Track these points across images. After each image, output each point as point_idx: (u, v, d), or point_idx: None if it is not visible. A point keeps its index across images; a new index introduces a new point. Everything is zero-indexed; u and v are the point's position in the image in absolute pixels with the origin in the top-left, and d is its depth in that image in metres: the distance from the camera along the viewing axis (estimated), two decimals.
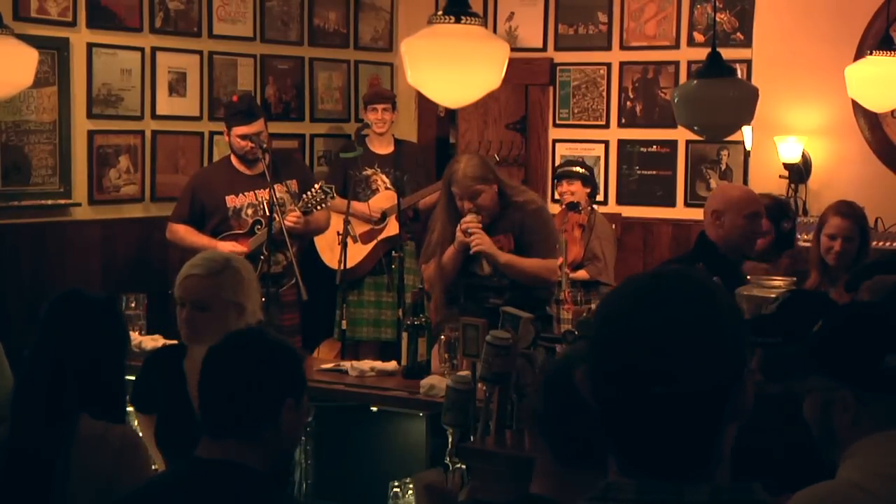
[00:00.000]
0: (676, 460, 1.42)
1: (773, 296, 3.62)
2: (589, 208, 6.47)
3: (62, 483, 2.92)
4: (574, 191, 6.47)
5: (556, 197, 7.14)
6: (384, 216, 6.70)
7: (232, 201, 5.96)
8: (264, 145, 5.90)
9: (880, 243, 6.11)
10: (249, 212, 5.97)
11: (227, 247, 5.76)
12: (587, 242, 6.29)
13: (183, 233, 5.95)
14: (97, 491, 2.92)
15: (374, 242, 6.69)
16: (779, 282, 4.13)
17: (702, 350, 1.41)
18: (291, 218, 5.74)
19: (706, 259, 4.55)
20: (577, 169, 6.57)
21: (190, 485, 2.40)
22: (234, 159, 6.03)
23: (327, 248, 6.73)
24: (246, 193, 5.97)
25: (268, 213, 5.64)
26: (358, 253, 6.62)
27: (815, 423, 2.31)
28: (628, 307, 1.45)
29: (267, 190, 5.69)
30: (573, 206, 6.36)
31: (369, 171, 6.87)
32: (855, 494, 2.15)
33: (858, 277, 3.88)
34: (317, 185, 5.87)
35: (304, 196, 5.82)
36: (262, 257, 5.66)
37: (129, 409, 3.95)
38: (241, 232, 5.94)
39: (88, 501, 2.92)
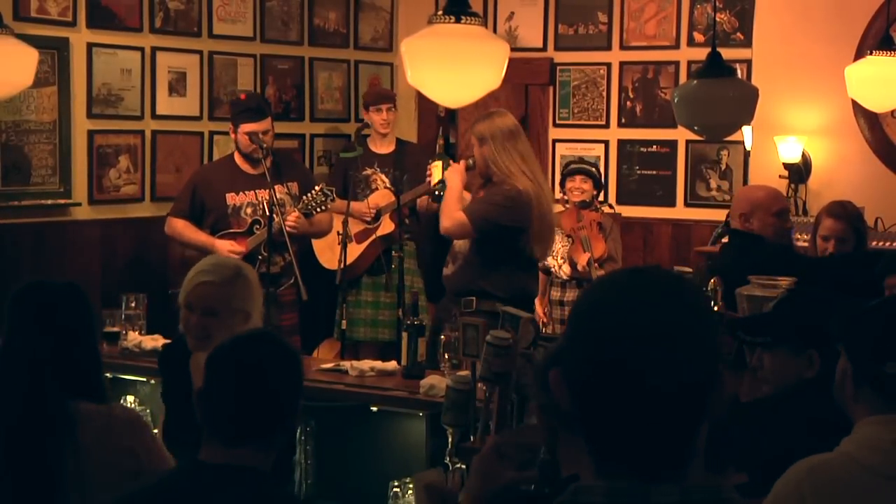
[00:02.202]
0: (656, 457, 1.42)
1: (773, 296, 3.62)
2: (609, 208, 6.52)
3: (76, 470, 2.93)
4: (585, 188, 6.45)
5: (558, 196, 7.14)
6: (378, 214, 6.68)
7: (232, 199, 5.95)
8: (265, 145, 5.89)
9: (880, 243, 6.10)
10: (248, 211, 5.96)
11: (224, 245, 5.75)
12: (606, 240, 6.32)
13: (181, 228, 5.93)
14: (119, 466, 2.96)
15: (369, 241, 6.67)
16: (780, 281, 4.12)
17: (690, 342, 1.43)
18: (291, 219, 5.73)
19: (753, 248, 4.59)
20: (590, 167, 6.57)
21: (197, 488, 2.38)
22: (237, 157, 6.02)
23: (323, 249, 6.72)
24: (246, 192, 5.96)
25: (267, 213, 5.63)
26: (353, 251, 6.59)
27: (836, 382, 2.39)
28: (616, 301, 1.45)
29: (268, 190, 5.68)
30: (585, 205, 6.37)
31: (369, 171, 6.86)
32: (845, 461, 2.25)
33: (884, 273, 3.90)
34: (317, 188, 5.86)
35: (304, 198, 5.82)
36: (259, 258, 5.64)
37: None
38: (239, 231, 5.93)
39: (114, 480, 2.94)
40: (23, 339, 3.01)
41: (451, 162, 5.49)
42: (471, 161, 5.24)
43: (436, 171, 5.61)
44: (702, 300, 1.49)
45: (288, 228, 5.64)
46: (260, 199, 5.90)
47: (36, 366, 2.98)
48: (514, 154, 5.12)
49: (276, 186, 5.75)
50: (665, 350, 1.41)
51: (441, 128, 5.91)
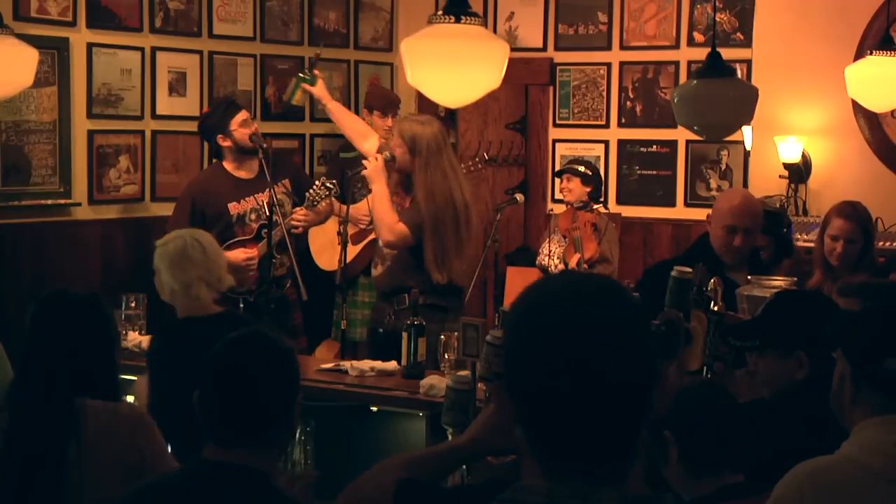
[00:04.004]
0: (599, 454, 1.44)
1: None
2: (604, 208, 6.55)
3: (77, 462, 3.01)
4: (572, 188, 6.52)
5: (558, 196, 7.18)
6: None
7: (235, 208, 5.79)
8: (263, 144, 5.85)
9: (880, 243, 6.10)
10: (253, 216, 5.81)
11: (237, 255, 5.64)
12: (599, 242, 6.33)
13: None
14: (121, 463, 3.04)
15: (365, 242, 6.67)
16: (779, 282, 4.12)
17: (628, 337, 1.45)
18: (299, 216, 5.67)
19: (700, 258, 4.47)
20: (578, 167, 6.61)
21: (196, 487, 2.40)
22: (228, 166, 5.83)
23: (320, 251, 6.71)
24: (247, 199, 5.81)
25: (274, 220, 5.52)
26: (349, 252, 6.56)
27: (833, 388, 2.40)
28: (554, 302, 1.47)
29: (267, 192, 5.55)
30: (581, 206, 6.41)
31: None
32: (849, 467, 2.25)
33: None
34: (318, 183, 5.82)
35: (308, 194, 5.76)
36: (274, 261, 5.57)
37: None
38: (247, 238, 5.81)
39: (116, 476, 3.01)
40: (44, 344, 3.12)
41: (308, 87, 5.55)
42: (387, 154, 5.25)
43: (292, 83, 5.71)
44: (632, 298, 1.51)
45: (297, 225, 5.63)
46: (261, 202, 5.77)
47: (52, 368, 3.09)
48: (436, 172, 5.16)
49: (274, 187, 5.69)
50: (609, 345, 1.43)
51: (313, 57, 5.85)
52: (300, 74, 5.61)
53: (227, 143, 5.81)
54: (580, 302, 1.46)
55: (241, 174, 5.84)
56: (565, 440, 1.44)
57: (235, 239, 5.76)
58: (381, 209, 5.20)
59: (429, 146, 5.16)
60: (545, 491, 1.44)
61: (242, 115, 5.79)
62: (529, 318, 1.48)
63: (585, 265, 6.12)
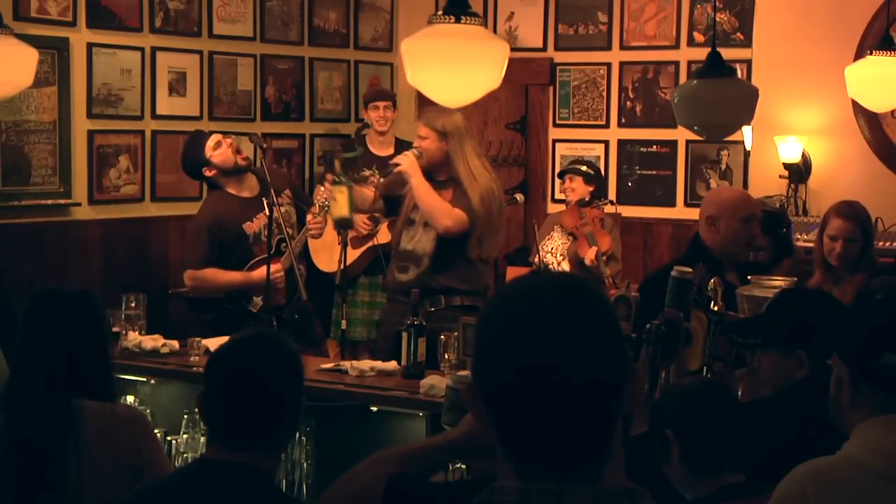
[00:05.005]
0: (572, 455, 1.44)
1: (772, 296, 3.62)
2: (611, 205, 6.59)
3: (76, 463, 3.01)
4: (574, 188, 6.54)
5: (559, 196, 7.19)
6: (377, 221, 6.62)
7: (250, 228, 5.60)
8: (262, 145, 5.83)
9: (880, 243, 6.10)
10: (266, 233, 5.70)
11: (263, 273, 5.48)
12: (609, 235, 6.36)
13: (211, 275, 5.52)
14: (120, 463, 3.05)
15: (366, 247, 6.67)
16: (779, 282, 4.12)
17: (598, 337, 1.45)
18: (315, 226, 5.62)
19: (697, 259, 4.44)
20: (580, 166, 6.62)
21: (202, 488, 2.40)
22: (227, 189, 5.62)
23: (319, 252, 6.70)
24: (257, 217, 5.60)
25: (287, 231, 5.40)
26: (349, 255, 6.54)
27: (830, 395, 2.40)
28: (521, 303, 1.47)
29: (275, 207, 5.32)
30: (585, 203, 6.42)
31: (368, 173, 6.82)
32: (851, 467, 2.24)
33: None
34: (324, 187, 5.79)
35: (317, 199, 5.71)
36: (298, 272, 5.50)
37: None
38: (265, 256, 5.67)
39: (115, 476, 3.02)
40: (37, 343, 3.12)
41: (352, 187, 5.33)
42: (417, 151, 5.24)
43: (340, 198, 5.29)
44: (603, 297, 1.51)
45: (314, 233, 5.62)
46: (273, 216, 5.61)
47: (48, 367, 3.09)
48: (471, 153, 5.22)
49: (276, 198, 5.61)
50: (575, 345, 1.42)
51: (347, 144, 5.46)
52: (342, 179, 5.30)
53: (212, 172, 5.58)
54: (544, 303, 1.46)
55: (244, 194, 5.64)
56: (534, 442, 1.44)
57: (257, 258, 5.56)
58: (430, 198, 5.17)
59: (458, 129, 5.22)
60: (518, 491, 1.43)
61: (212, 140, 5.56)
62: (495, 320, 1.48)
63: (604, 258, 6.15)
